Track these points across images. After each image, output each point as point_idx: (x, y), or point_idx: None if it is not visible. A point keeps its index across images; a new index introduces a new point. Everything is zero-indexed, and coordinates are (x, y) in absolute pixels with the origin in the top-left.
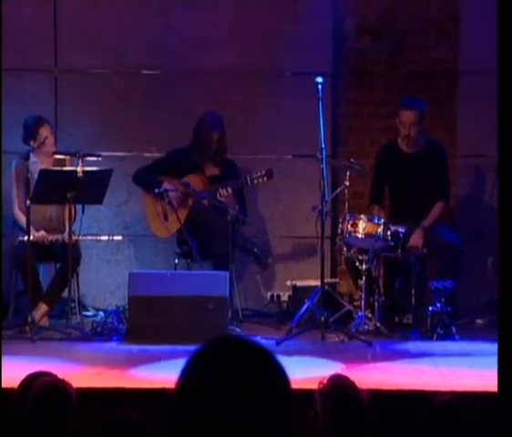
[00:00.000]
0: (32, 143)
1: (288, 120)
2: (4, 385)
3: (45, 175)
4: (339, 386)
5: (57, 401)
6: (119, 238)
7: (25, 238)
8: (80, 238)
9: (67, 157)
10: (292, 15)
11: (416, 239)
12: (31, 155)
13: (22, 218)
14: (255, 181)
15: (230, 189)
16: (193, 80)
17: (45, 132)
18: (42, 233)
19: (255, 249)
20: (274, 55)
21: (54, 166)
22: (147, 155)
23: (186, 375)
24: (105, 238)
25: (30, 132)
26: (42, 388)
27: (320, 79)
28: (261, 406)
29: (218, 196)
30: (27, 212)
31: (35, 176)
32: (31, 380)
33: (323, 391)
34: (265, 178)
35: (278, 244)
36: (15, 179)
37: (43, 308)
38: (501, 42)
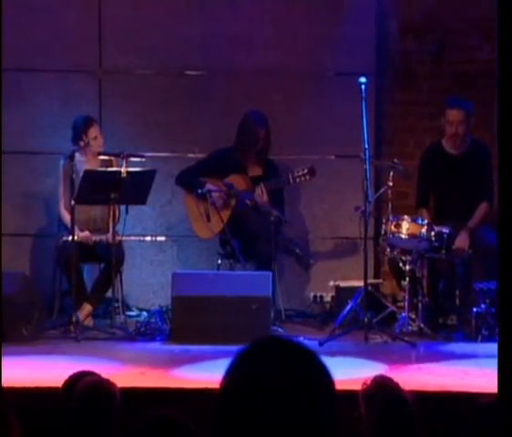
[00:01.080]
0: (80, 143)
1: (331, 120)
2: (49, 384)
3: (89, 175)
4: (383, 387)
5: (102, 400)
6: (163, 238)
7: (70, 238)
8: (124, 238)
9: (114, 158)
10: (337, 16)
11: (462, 241)
12: (77, 155)
13: (66, 218)
14: (298, 180)
15: (264, 189)
16: (237, 81)
17: (93, 132)
18: (86, 233)
19: (297, 250)
20: (318, 56)
21: (101, 166)
22: (190, 155)
23: (230, 375)
24: (148, 238)
25: (79, 132)
26: (86, 388)
27: (363, 79)
28: (306, 407)
29: (255, 197)
30: (72, 212)
31: (81, 176)
32: (75, 379)
33: (367, 393)
34: (308, 177)
35: (321, 244)
36: (62, 179)
37: (87, 308)
38: (501, 42)
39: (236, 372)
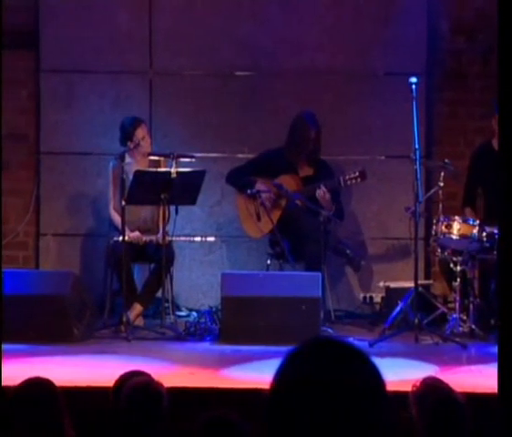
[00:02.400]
0: (129, 144)
1: (381, 121)
2: (100, 384)
3: (139, 176)
4: (434, 389)
5: (150, 400)
6: (212, 238)
7: (120, 238)
8: (173, 238)
9: (162, 158)
10: (387, 16)
11: None
12: (126, 156)
13: (117, 219)
14: (348, 182)
15: (327, 192)
16: (286, 81)
17: (141, 133)
18: (136, 234)
19: (347, 251)
20: (368, 56)
21: (149, 166)
22: (240, 156)
23: (281, 375)
24: (198, 238)
25: (127, 133)
26: (134, 388)
27: (414, 79)
28: (357, 407)
29: (316, 195)
30: (122, 213)
31: (131, 177)
32: (125, 379)
33: (418, 394)
34: (359, 180)
35: (371, 245)
36: (112, 180)
37: (137, 308)
38: (501, 42)
39: (287, 373)
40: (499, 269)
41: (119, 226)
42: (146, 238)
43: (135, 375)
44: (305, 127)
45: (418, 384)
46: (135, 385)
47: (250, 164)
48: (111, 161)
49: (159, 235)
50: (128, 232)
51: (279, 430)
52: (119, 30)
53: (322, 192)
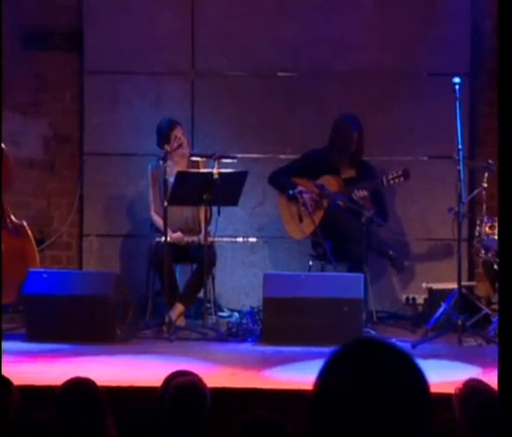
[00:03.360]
0: (166, 146)
1: (424, 121)
2: (143, 384)
3: (181, 177)
4: (477, 391)
5: (194, 400)
6: (254, 239)
7: (162, 239)
8: (215, 239)
9: (202, 159)
10: (430, 16)
11: None
12: (166, 158)
13: (158, 221)
14: (391, 182)
15: (365, 191)
16: (328, 82)
17: (177, 134)
18: (178, 234)
19: (390, 252)
20: (411, 56)
21: (188, 168)
22: (282, 157)
23: (324, 376)
24: (240, 239)
25: (163, 135)
26: (177, 388)
27: (457, 79)
28: (401, 409)
29: (353, 196)
30: (164, 214)
31: (171, 178)
32: (171, 379)
33: (461, 396)
34: (402, 179)
35: (414, 246)
36: (152, 182)
37: (179, 308)
38: (501, 42)
39: (330, 374)
40: (499, 268)
41: (161, 227)
42: (187, 238)
43: (180, 375)
44: (347, 130)
45: (461, 386)
46: (179, 385)
47: (293, 165)
48: (150, 163)
49: (201, 235)
50: (169, 233)
51: (322, 431)
52: (162, 31)
53: (360, 192)
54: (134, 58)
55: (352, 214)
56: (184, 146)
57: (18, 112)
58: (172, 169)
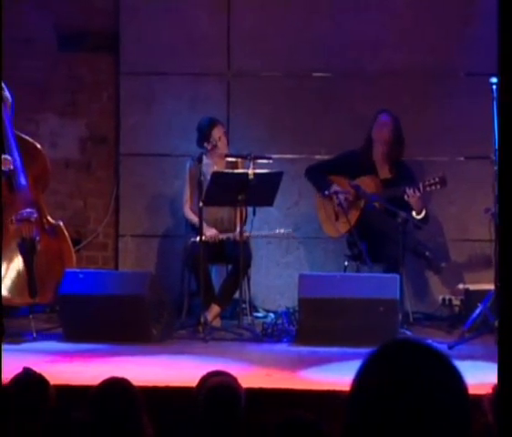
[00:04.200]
0: (206, 145)
1: (461, 121)
2: (178, 384)
3: (217, 177)
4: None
5: (228, 401)
6: (289, 230)
7: (197, 238)
8: (250, 233)
9: (239, 160)
10: (466, 15)
11: None
12: (204, 157)
13: (192, 218)
14: (428, 188)
15: (418, 192)
16: (363, 82)
17: (218, 133)
18: (213, 231)
19: (426, 253)
20: (447, 56)
21: (226, 167)
22: (316, 157)
23: (361, 377)
24: (280, 230)
25: (204, 134)
26: (213, 388)
27: (495, 79)
28: (438, 409)
29: (405, 197)
30: (200, 214)
31: (208, 178)
32: (206, 379)
33: (492, 398)
34: (438, 186)
35: (450, 247)
36: (189, 181)
37: (215, 309)
38: (501, 42)
39: (367, 374)
40: (499, 267)
41: (195, 223)
42: (222, 235)
43: (215, 375)
44: (381, 128)
45: (493, 388)
46: (215, 385)
47: (331, 162)
48: (188, 162)
49: (237, 234)
50: (205, 229)
51: (358, 431)
52: (197, 32)
53: (411, 192)
54: (170, 59)
55: (388, 215)
56: (222, 145)
57: (55, 113)
58: (210, 169)
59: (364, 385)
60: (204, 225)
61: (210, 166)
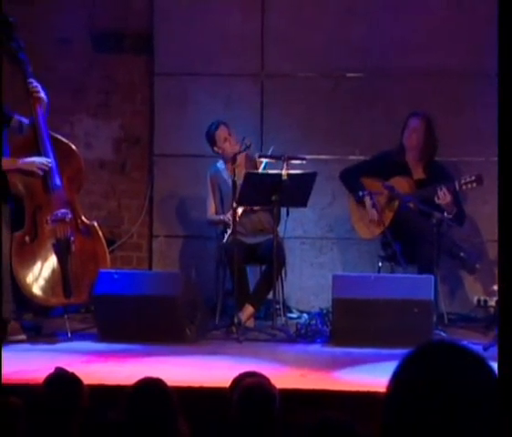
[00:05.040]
0: (216, 149)
1: (494, 121)
2: (212, 384)
3: (250, 178)
4: None
5: (263, 401)
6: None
7: (225, 238)
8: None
9: (257, 159)
10: None
11: None
12: (220, 163)
13: (216, 218)
14: (464, 187)
15: (449, 195)
16: (398, 82)
17: (221, 134)
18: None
19: (461, 254)
20: (481, 56)
21: (247, 168)
22: (351, 157)
23: (398, 378)
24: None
25: (210, 139)
26: (247, 388)
27: None
28: (475, 411)
29: (436, 199)
30: (233, 214)
31: (229, 181)
32: (240, 380)
33: None
34: (474, 184)
35: (485, 247)
36: (211, 189)
37: (249, 309)
38: (501, 42)
39: (403, 375)
40: (499, 266)
41: (220, 220)
42: (258, 239)
43: (249, 376)
44: (410, 135)
45: None
46: (248, 386)
47: (364, 165)
48: (208, 170)
49: (271, 236)
50: (223, 216)
51: (395, 432)
52: (231, 32)
53: (442, 194)
54: (204, 60)
55: (422, 215)
56: (228, 146)
57: (90, 114)
58: (226, 172)
59: (401, 386)
60: (224, 216)
61: (224, 170)
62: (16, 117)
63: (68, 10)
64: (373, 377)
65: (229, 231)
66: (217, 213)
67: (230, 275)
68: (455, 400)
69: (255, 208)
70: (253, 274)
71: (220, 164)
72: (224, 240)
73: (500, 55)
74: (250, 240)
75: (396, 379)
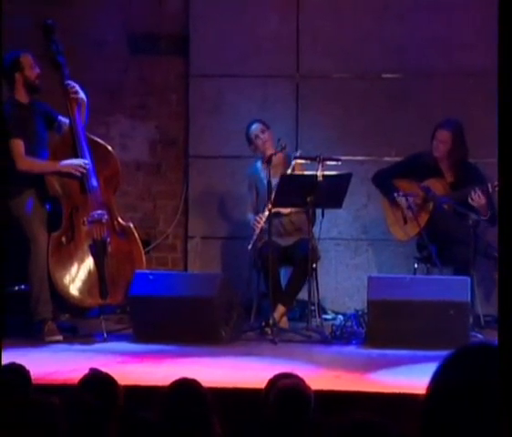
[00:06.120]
0: (252, 148)
1: None
2: (247, 386)
3: (286, 179)
4: None
5: (298, 403)
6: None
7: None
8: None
9: (298, 161)
10: None
11: None
12: (258, 162)
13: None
14: (497, 188)
15: (483, 197)
16: (433, 83)
17: (254, 132)
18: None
19: (496, 254)
20: None
21: (284, 168)
22: (386, 158)
23: (438, 380)
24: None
25: (247, 138)
26: (282, 390)
27: None
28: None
29: (469, 200)
30: (269, 216)
31: (265, 180)
32: (275, 381)
33: None
34: None
35: None
36: (248, 185)
37: (280, 308)
38: (501, 41)
39: (443, 377)
40: (499, 265)
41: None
42: (292, 239)
43: (284, 377)
44: (438, 146)
45: None
46: (284, 387)
47: (397, 167)
48: (248, 170)
49: (306, 237)
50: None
51: (435, 433)
52: (266, 33)
53: (476, 196)
54: (239, 61)
55: (458, 217)
56: (261, 144)
57: (126, 116)
58: (263, 171)
59: (441, 388)
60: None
61: (263, 170)
62: (60, 118)
63: (105, 13)
64: (409, 379)
65: (254, 236)
66: (256, 213)
67: (263, 277)
68: (493, 402)
69: (285, 211)
70: (285, 275)
71: (260, 164)
72: (250, 244)
73: (500, 55)
74: (281, 242)
75: (436, 381)
